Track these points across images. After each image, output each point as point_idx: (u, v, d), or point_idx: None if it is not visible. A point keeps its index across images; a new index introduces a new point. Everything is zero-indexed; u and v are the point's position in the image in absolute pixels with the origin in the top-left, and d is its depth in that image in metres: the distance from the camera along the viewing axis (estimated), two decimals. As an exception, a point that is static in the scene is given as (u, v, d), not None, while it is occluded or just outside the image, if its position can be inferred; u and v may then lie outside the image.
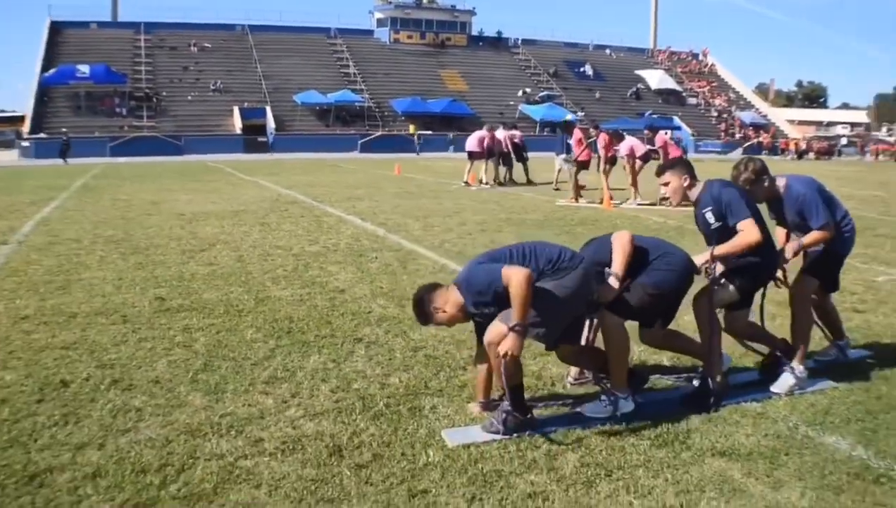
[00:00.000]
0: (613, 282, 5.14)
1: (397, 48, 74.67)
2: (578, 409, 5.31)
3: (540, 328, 4.88)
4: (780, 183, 5.87)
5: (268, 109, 59.77)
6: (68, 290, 9.05)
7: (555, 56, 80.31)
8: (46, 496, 4.11)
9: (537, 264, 4.89)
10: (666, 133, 22.77)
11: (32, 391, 5.70)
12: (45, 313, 7.95)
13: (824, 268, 6.01)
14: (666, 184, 5.66)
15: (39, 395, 5.62)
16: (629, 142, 20.31)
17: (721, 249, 5.35)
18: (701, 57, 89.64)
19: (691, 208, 5.68)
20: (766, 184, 5.81)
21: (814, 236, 5.74)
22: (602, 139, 19.86)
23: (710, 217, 5.41)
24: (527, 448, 4.69)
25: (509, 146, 25.63)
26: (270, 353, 6.61)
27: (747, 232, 5.30)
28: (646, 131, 22.28)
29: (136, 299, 8.53)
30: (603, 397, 5.27)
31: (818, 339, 6.41)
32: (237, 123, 58.38)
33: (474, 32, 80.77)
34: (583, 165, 20.25)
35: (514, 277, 4.64)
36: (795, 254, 5.84)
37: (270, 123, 58.48)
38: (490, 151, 24.72)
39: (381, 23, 76.89)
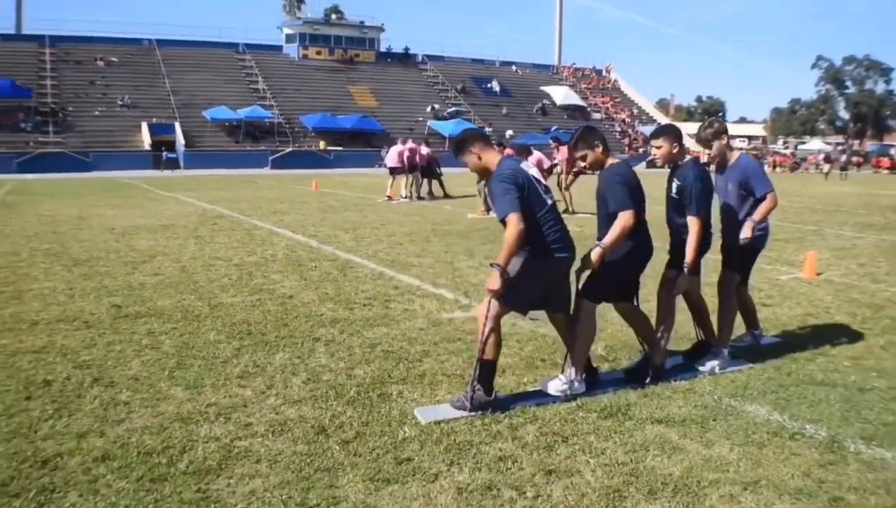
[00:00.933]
0: (596, 253, 5.75)
1: (306, 64, 74.68)
2: (541, 384, 5.99)
3: (515, 295, 5.47)
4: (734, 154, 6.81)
5: (177, 124, 59.05)
6: (22, 299, 9.28)
7: (462, 72, 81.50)
8: (63, 477, 4.51)
9: (543, 229, 5.49)
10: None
11: (17, 389, 6.03)
12: (6, 321, 8.20)
13: (744, 262, 6.81)
14: (658, 147, 6.38)
15: (26, 393, 5.95)
16: (536, 156, 21.20)
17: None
18: (604, 73, 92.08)
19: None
20: (724, 142, 6.78)
21: (766, 206, 6.57)
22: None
23: (674, 188, 6.29)
24: (491, 422, 5.32)
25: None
26: (237, 352, 7.06)
27: (693, 227, 6.14)
28: (551, 142, 23.35)
29: (92, 307, 8.83)
30: (562, 376, 5.91)
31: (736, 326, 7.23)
32: (146, 139, 57.52)
33: (383, 49, 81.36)
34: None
35: (511, 226, 5.20)
36: (753, 231, 6.57)
37: (180, 140, 57.79)
38: (412, 166, 25.36)
39: (289, 38, 76.73)
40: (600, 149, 6.03)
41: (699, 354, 6.74)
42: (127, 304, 9.00)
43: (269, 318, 8.33)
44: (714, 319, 6.87)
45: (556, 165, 21.32)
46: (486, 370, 5.55)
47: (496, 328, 5.48)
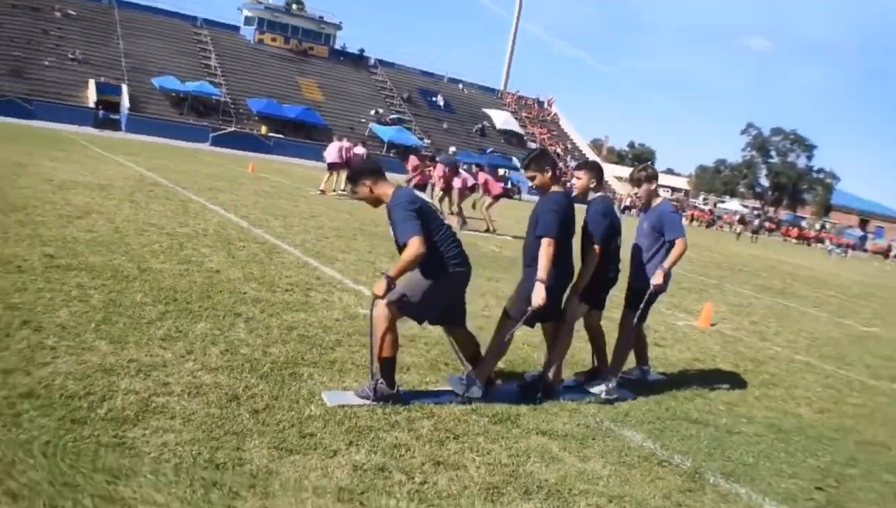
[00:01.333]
0: (538, 292, 6.08)
1: (261, 49, 73.87)
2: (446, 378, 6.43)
3: (412, 304, 5.85)
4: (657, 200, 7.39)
5: (124, 87, 57.88)
6: (-45, 237, 9.27)
7: (410, 82, 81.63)
8: (-13, 407, 4.69)
9: (440, 249, 5.85)
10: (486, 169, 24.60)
11: (-53, 321, 6.14)
12: (-62, 256, 8.23)
13: (646, 303, 7.26)
14: (579, 179, 6.94)
15: (-45, 326, 6.07)
16: (463, 175, 22.13)
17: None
18: (546, 105, 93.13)
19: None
20: (652, 187, 7.37)
21: (675, 252, 7.07)
22: (440, 170, 21.61)
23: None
24: (391, 412, 5.67)
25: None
26: (161, 316, 7.25)
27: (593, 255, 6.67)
28: (474, 166, 24.60)
29: (25, 253, 8.87)
30: (464, 377, 6.29)
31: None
32: (91, 96, 56.25)
33: (337, 46, 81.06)
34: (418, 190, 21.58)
35: (413, 248, 5.53)
36: (665, 277, 7.07)
37: (125, 102, 56.68)
38: (349, 163, 25.61)
39: (248, 21, 75.81)
40: (549, 175, 6.41)
41: (590, 379, 7.20)
42: (59, 255, 9.07)
43: (194, 288, 8.52)
44: (610, 350, 7.34)
45: (475, 185, 22.29)
46: (387, 366, 5.89)
47: (391, 329, 5.83)
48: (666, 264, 7.08)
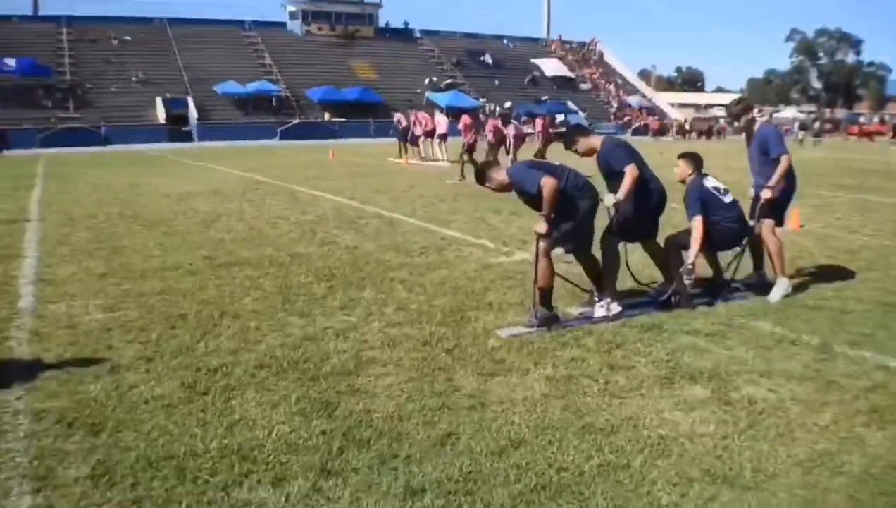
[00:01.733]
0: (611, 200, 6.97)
1: (310, 39, 74.90)
2: (585, 315, 7.06)
3: (565, 237, 6.67)
4: (597, 141, 7.55)
5: (189, 99, 59.60)
6: (122, 253, 10.20)
7: (457, 46, 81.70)
8: (236, 379, 5.50)
9: (567, 183, 6.60)
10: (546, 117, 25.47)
11: (161, 321, 7.01)
12: (119, 271, 9.15)
13: (774, 211, 7.87)
14: (678, 166, 7.62)
15: (169, 324, 6.90)
16: (514, 125, 23.86)
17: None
18: (590, 46, 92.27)
19: None
20: (750, 116, 8.09)
21: (780, 169, 7.63)
22: (490, 125, 22.61)
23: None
24: (557, 335, 6.43)
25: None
26: (329, 290, 8.08)
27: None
28: (523, 118, 25.84)
29: (188, 258, 9.80)
30: (603, 302, 6.99)
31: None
32: (160, 114, 58.10)
33: (381, 24, 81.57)
34: (470, 149, 22.07)
35: (547, 186, 6.35)
36: (773, 191, 7.67)
37: (193, 113, 58.40)
38: (429, 133, 26.75)
39: (293, 15, 76.89)
40: (588, 138, 7.43)
41: (716, 289, 7.76)
42: (216, 255, 9.97)
43: (344, 264, 9.35)
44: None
45: (531, 133, 23.23)
46: (545, 295, 6.66)
47: (548, 260, 6.61)
48: (772, 181, 7.67)
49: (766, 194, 7.67)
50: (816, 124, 63.99)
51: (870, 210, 15.00)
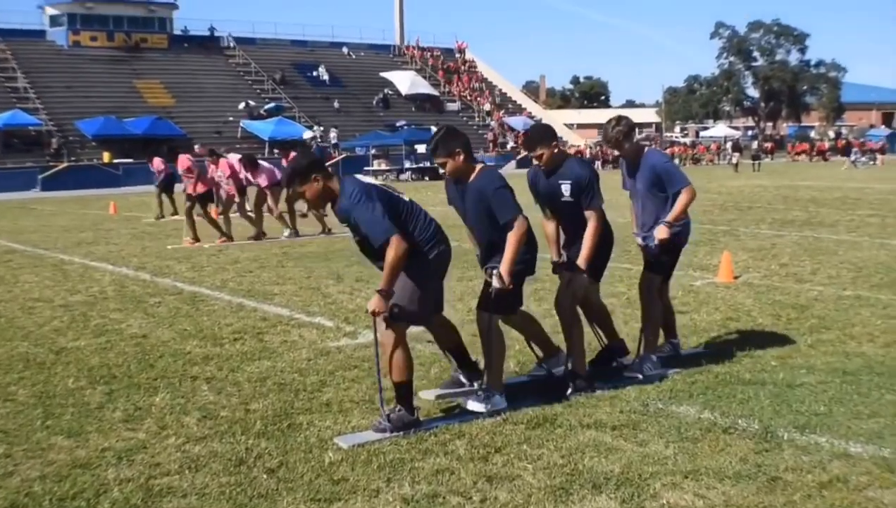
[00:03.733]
0: (505, 273, 6.93)
1: (79, 53, 73.63)
2: (461, 402, 7.23)
3: (411, 309, 6.71)
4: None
5: None
6: None
7: (280, 57, 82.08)
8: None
9: (417, 230, 6.68)
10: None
11: None
12: None
13: (665, 262, 8.27)
14: (539, 157, 7.65)
15: None
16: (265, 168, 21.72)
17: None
18: (457, 53, 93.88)
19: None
20: (635, 141, 8.24)
21: (681, 202, 7.98)
22: (224, 167, 21.00)
23: (566, 189, 7.60)
24: (416, 441, 6.53)
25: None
26: (108, 397, 7.93)
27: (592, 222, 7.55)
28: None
29: None
30: (480, 392, 7.17)
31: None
32: None
33: (177, 31, 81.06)
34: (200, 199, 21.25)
35: (399, 247, 6.35)
36: (669, 232, 7.97)
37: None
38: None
39: (54, 21, 75.30)
40: (461, 157, 7.08)
41: (604, 360, 8.19)
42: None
43: (129, 360, 9.22)
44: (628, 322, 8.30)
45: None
46: (403, 391, 6.76)
47: (401, 347, 6.71)
48: (672, 214, 7.99)
49: (661, 232, 7.91)
50: (755, 144, 67.24)
51: (823, 251, 15.95)
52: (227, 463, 6.20)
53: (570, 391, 7.46)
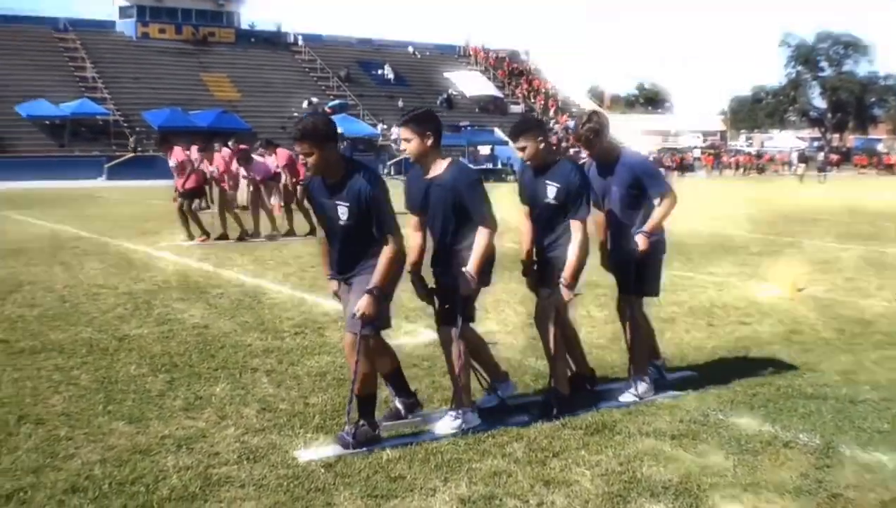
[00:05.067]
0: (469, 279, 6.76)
1: (147, 45, 74.22)
2: (428, 428, 6.98)
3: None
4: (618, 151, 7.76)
5: (-22, 124, 58.42)
6: None
7: (346, 55, 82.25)
8: (35, 508, 5.45)
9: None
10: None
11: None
12: None
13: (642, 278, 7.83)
14: (522, 149, 7.27)
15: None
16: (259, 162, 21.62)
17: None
18: (523, 56, 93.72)
19: None
20: (608, 140, 7.70)
21: (660, 212, 7.60)
22: (219, 162, 21.00)
23: (551, 192, 7.19)
24: (475, 441, 6.54)
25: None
26: (169, 385, 8.04)
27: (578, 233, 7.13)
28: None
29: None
30: (451, 412, 6.98)
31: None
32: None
33: (244, 26, 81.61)
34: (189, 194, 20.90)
35: (398, 249, 6.39)
36: (648, 242, 7.57)
37: (-15, 143, 57.27)
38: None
39: (124, 13, 76.03)
40: (430, 141, 6.83)
41: (578, 386, 7.77)
42: (14, 338, 9.81)
43: (190, 349, 9.33)
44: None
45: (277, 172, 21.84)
46: (368, 405, 6.67)
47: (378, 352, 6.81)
48: (650, 223, 7.56)
49: (641, 241, 7.52)
50: (821, 155, 66.45)
51: (889, 267, 15.79)
52: (284, 456, 6.25)
53: (555, 411, 7.10)
